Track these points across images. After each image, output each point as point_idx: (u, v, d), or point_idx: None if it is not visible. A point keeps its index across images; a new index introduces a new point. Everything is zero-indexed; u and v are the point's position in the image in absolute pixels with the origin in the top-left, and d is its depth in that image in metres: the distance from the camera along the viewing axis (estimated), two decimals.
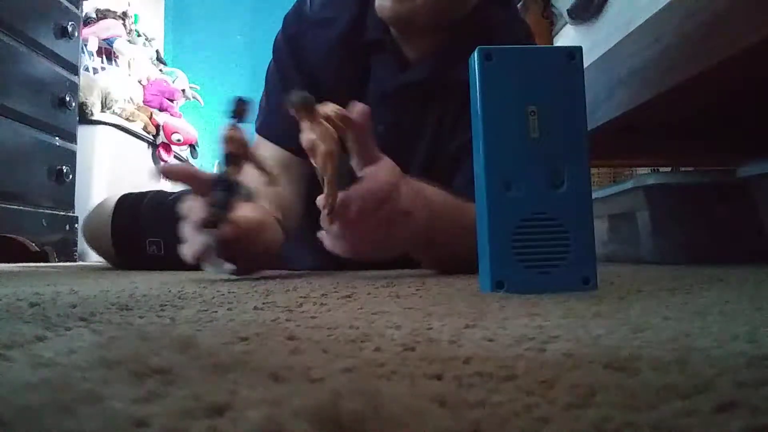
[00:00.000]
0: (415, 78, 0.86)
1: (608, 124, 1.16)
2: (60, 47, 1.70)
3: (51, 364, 0.19)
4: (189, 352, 0.20)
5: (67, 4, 1.74)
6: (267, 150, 0.85)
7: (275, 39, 0.95)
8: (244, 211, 0.62)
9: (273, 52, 0.93)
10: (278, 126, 0.86)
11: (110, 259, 1.08)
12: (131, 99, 2.48)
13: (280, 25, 0.95)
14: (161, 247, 1.00)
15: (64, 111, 1.72)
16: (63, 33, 1.71)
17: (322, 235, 0.61)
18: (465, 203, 0.69)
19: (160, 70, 2.86)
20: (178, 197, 1.11)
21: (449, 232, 0.69)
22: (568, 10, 1.35)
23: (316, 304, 0.39)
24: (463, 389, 0.17)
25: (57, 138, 1.69)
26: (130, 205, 1.07)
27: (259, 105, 0.93)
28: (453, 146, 0.84)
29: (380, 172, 0.58)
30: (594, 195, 1.14)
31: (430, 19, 0.82)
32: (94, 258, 1.68)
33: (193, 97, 2.92)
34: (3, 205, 1.46)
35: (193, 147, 2.91)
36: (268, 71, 0.94)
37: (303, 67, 0.89)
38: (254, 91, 0.91)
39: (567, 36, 1.48)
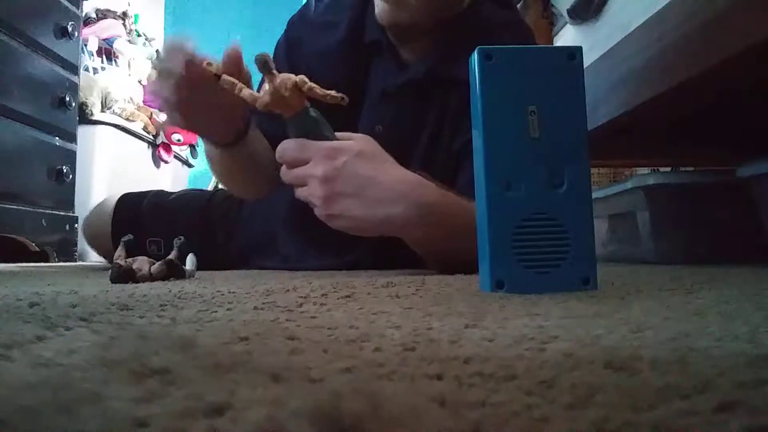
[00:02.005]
0: (412, 76, 0.86)
1: (608, 124, 1.16)
2: (60, 47, 1.70)
3: (51, 364, 0.19)
4: (189, 352, 0.20)
5: (67, 4, 1.74)
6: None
7: (278, 41, 0.96)
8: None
9: (273, 52, 0.94)
10: (270, 120, 0.87)
11: (110, 258, 1.08)
12: (131, 99, 2.48)
13: (281, 26, 0.96)
14: (161, 247, 1.00)
15: (64, 111, 1.72)
16: (63, 33, 1.71)
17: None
18: (467, 202, 0.69)
19: None
20: (178, 197, 1.11)
21: (449, 230, 0.68)
22: (568, 10, 1.35)
23: (316, 304, 0.39)
24: (463, 389, 0.17)
25: (57, 138, 1.69)
26: (130, 204, 1.07)
27: None
28: (455, 145, 0.84)
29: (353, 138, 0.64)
30: (594, 195, 1.14)
31: (427, 22, 0.83)
32: (94, 258, 1.68)
33: None
34: (3, 205, 1.46)
35: (193, 147, 2.91)
36: None
37: (298, 70, 0.91)
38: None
39: (567, 36, 1.48)
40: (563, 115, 0.46)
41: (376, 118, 0.87)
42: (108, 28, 2.50)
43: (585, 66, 0.48)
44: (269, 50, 0.94)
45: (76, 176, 1.78)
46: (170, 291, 0.50)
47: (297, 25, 0.95)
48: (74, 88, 1.79)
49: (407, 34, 0.86)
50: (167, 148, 2.69)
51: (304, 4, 0.97)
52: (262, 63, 0.56)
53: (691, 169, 1.81)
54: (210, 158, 0.84)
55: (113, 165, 2.27)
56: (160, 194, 1.12)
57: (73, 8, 1.78)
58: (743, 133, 1.31)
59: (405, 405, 0.14)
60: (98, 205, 1.13)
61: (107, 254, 1.08)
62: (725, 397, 0.15)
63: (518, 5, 1.55)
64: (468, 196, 0.66)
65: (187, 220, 1.05)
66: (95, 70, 2.40)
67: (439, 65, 0.84)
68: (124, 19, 2.61)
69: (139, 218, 1.04)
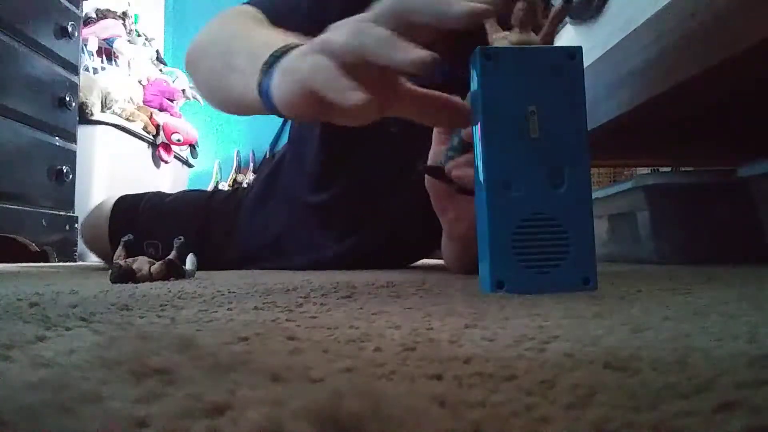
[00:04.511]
0: (427, 79, 0.85)
1: (608, 124, 1.16)
2: (60, 47, 1.70)
3: (51, 364, 0.19)
4: (189, 352, 0.20)
5: (67, 4, 1.74)
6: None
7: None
8: None
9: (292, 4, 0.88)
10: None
11: (109, 261, 1.08)
12: (131, 99, 2.48)
13: None
14: (159, 250, 1.00)
15: (64, 111, 1.72)
16: (63, 33, 1.71)
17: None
18: None
19: (160, 70, 2.86)
20: (175, 199, 1.11)
21: None
22: None
23: (316, 304, 0.39)
24: (463, 389, 0.17)
25: (57, 138, 1.69)
26: (127, 207, 1.07)
27: None
28: None
29: None
30: (594, 195, 1.14)
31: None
32: (94, 258, 1.67)
33: (193, 97, 2.92)
34: (3, 205, 1.46)
35: (193, 147, 2.91)
36: None
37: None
38: None
39: (567, 36, 1.48)
40: (563, 115, 0.46)
41: (392, 119, 0.87)
42: (108, 28, 2.49)
43: (585, 66, 0.48)
44: None
45: (76, 176, 1.78)
46: (170, 291, 0.50)
47: None
48: (74, 88, 1.79)
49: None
50: (167, 148, 2.69)
51: None
52: None
53: (691, 169, 1.81)
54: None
55: (113, 165, 2.27)
56: (158, 196, 1.12)
57: (73, 8, 1.78)
58: (743, 133, 1.31)
59: (405, 405, 0.14)
60: (95, 207, 1.13)
61: (105, 257, 1.08)
62: (725, 397, 0.15)
63: None
64: None
65: (185, 222, 1.05)
66: (95, 70, 2.40)
67: (456, 67, 0.84)
68: (124, 19, 2.61)
69: (136, 221, 1.04)
